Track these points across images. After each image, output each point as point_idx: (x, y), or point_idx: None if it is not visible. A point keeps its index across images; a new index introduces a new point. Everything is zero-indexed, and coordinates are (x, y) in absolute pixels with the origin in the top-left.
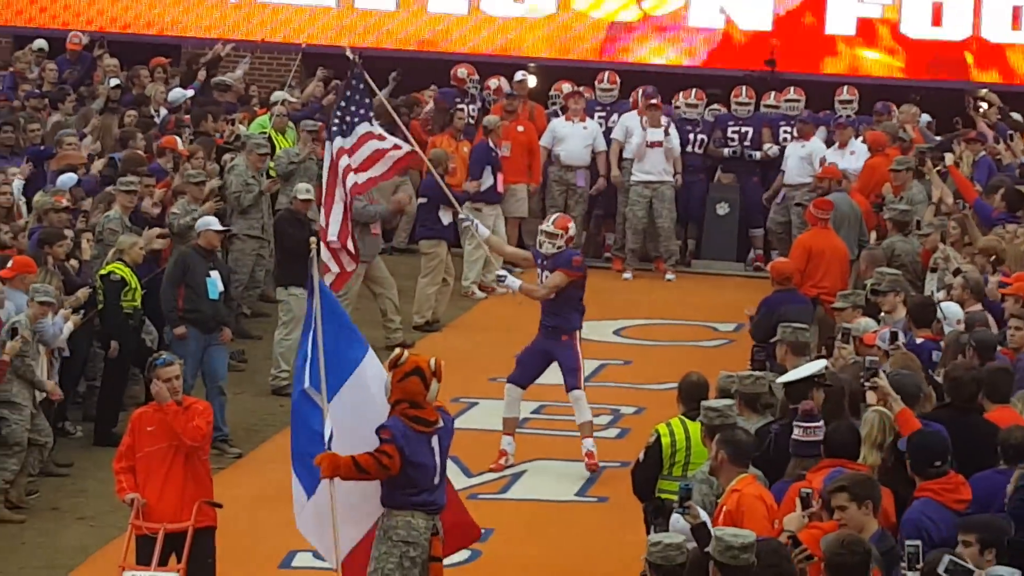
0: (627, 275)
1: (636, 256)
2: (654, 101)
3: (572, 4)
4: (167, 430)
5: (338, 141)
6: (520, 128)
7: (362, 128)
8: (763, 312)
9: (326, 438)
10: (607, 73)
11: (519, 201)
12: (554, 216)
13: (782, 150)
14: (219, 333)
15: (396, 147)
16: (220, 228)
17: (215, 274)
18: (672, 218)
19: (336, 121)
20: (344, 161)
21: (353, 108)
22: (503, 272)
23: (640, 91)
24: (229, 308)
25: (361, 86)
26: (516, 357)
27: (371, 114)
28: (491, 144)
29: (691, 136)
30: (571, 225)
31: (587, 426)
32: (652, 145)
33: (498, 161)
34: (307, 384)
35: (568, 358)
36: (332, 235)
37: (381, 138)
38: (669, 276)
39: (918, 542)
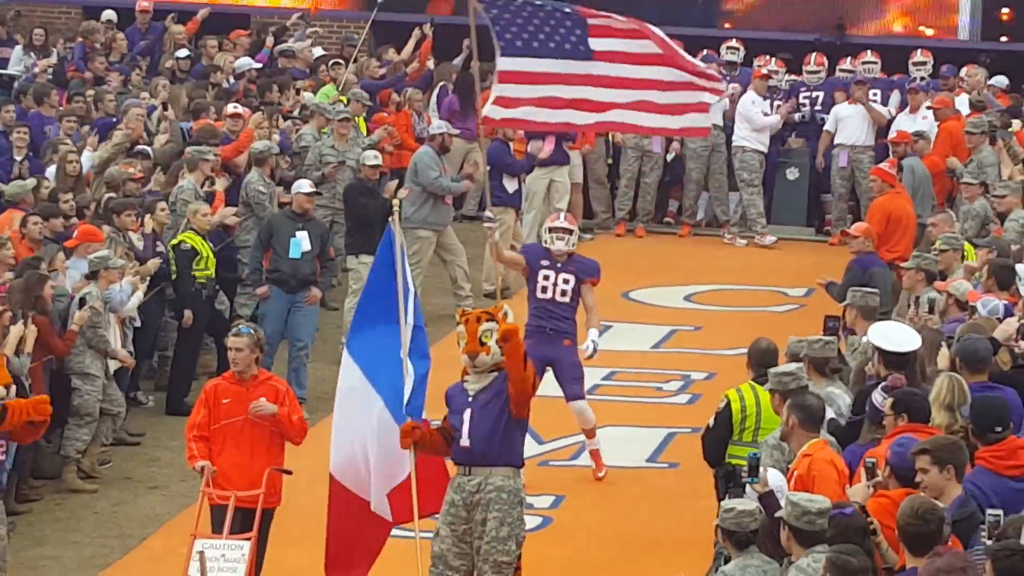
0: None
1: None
2: (766, 71)
3: None
4: (244, 402)
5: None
6: None
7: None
8: (853, 274)
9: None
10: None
11: (574, 167)
12: (561, 213)
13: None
14: (305, 293)
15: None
16: (310, 191)
17: (301, 234)
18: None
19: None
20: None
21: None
22: (492, 218)
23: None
24: (327, 269)
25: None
26: None
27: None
28: None
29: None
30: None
31: (591, 431)
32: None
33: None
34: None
35: (573, 365)
36: None
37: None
38: (741, 241)
39: (1000, 511)
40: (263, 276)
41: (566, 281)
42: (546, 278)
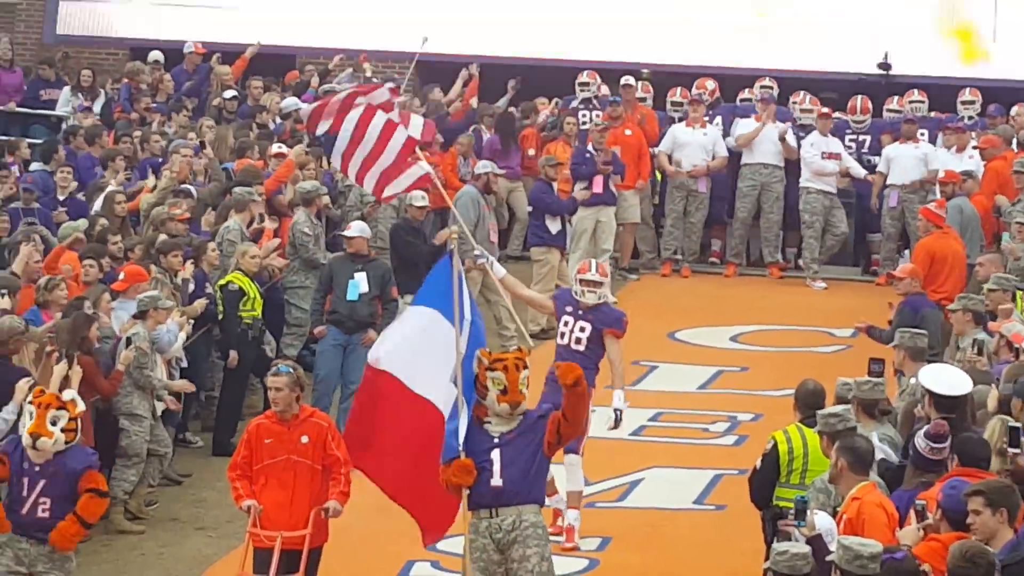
0: (820, 284)
1: (818, 262)
2: (825, 111)
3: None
4: (285, 441)
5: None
6: (628, 132)
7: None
8: (904, 316)
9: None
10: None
11: (630, 207)
12: (592, 262)
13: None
14: (361, 335)
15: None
16: (368, 235)
17: (360, 276)
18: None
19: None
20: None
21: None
22: (484, 254)
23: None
24: (388, 310)
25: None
26: None
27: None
28: (591, 148)
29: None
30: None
31: (576, 496)
32: (830, 156)
33: (595, 164)
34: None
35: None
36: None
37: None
38: (820, 284)
39: None
40: (323, 317)
41: (582, 329)
42: (566, 324)
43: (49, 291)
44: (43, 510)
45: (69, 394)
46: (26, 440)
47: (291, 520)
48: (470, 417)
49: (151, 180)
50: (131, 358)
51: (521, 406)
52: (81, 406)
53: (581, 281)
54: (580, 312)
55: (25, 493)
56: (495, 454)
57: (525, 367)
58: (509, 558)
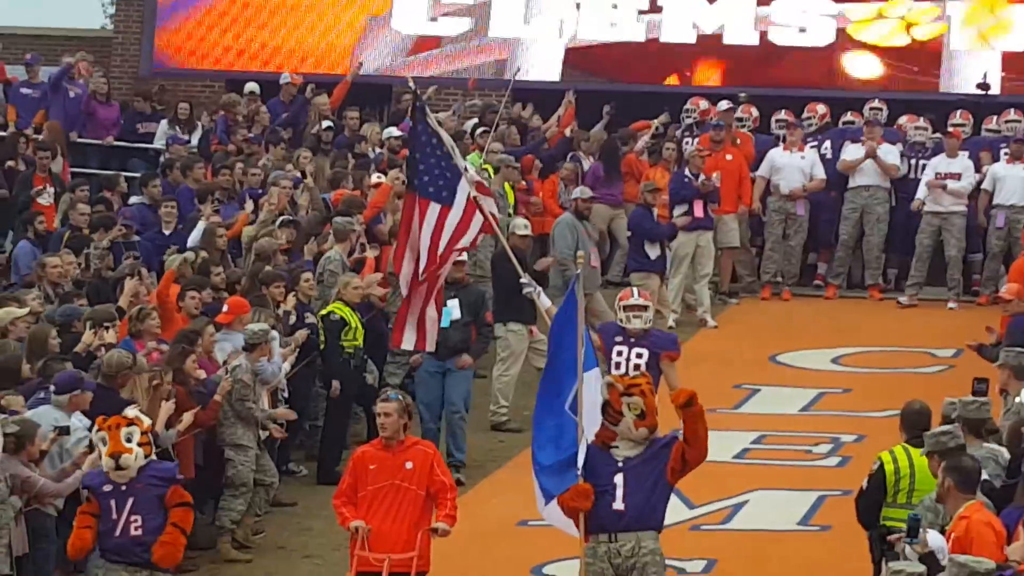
0: (952, 304)
1: (919, 285)
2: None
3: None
4: (390, 467)
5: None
6: (728, 157)
7: (461, 191)
8: (1015, 336)
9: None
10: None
11: (730, 231)
12: (634, 289)
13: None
14: (456, 359)
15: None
16: (460, 259)
17: (452, 303)
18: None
19: (425, 180)
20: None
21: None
22: (532, 284)
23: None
24: (482, 336)
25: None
26: None
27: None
28: (687, 174)
29: (915, 162)
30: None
31: None
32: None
33: (695, 189)
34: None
35: None
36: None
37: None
38: (952, 305)
39: None
40: None
41: (639, 356)
42: (619, 354)
43: (140, 321)
44: (135, 528)
45: (132, 411)
46: (107, 464)
47: (397, 544)
48: (591, 442)
49: (249, 206)
50: (227, 388)
51: (657, 431)
52: (147, 420)
53: (625, 308)
54: (632, 340)
55: (115, 516)
56: (619, 478)
57: (655, 392)
58: None
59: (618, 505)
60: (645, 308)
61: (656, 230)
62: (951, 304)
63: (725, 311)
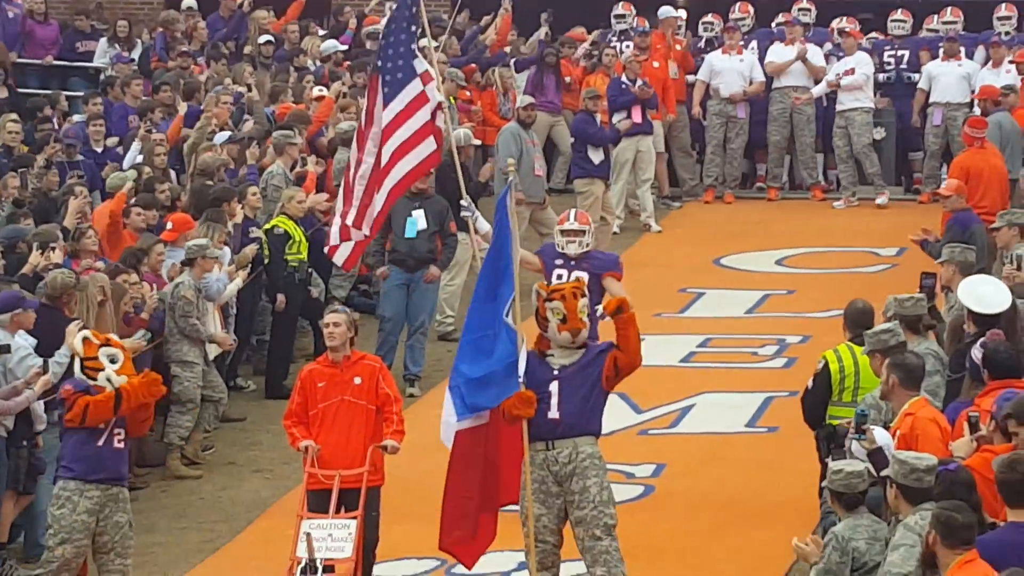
0: (880, 200)
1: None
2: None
3: None
4: (339, 383)
5: (385, 112)
6: (655, 64)
7: (411, 87)
8: (953, 232)
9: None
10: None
11: (656, 136)
12: (571, 212)
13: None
14: (423, 272)
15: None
16: None
17: (417, 213)
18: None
19: (387, 68)
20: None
21: (401, 49)
22: (471, 208)
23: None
24: (447, 246)
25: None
26: None
27: (414, 52)
28: (624, 79)
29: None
30: (591, 219)
31: None
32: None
33: (632, 95)
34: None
35: None
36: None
37: (420, 103)
38: (880, 200)
39: None
40: (384, 257)
41: (579, 279)
42: (559, 277)
43: (77, 240)
44: (119, 440)
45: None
46: (117, 381)
47: (348, 460)
48: (531, 350)
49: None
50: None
51: (582, 334)
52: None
53: (562, 232)
54: (573, 263)
55: (101, 426)
56: (554, 386)
57: (583, 295)
58: (568, 490)
59: (553, 414)
60: (582, 232)
61: (600, 135)
62: (879, 199)
63: (668, 215)
